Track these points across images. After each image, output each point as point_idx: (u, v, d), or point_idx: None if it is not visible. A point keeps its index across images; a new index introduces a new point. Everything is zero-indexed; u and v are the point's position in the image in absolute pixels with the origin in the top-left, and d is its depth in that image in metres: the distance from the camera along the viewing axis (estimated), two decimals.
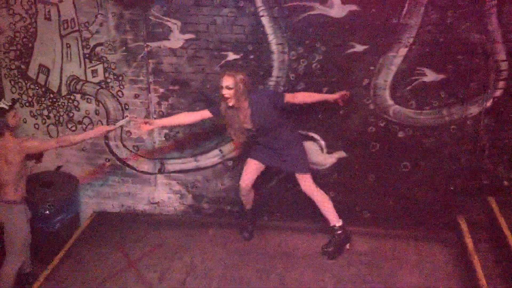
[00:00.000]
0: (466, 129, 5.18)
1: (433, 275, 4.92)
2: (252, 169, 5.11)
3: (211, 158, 5.64)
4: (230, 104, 4.68)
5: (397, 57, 5.02)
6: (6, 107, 4.63)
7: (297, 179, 5.08)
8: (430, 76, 5.05)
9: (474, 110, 5.11)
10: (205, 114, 4.91)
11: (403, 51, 4.99)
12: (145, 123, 4.86)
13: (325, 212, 5.14)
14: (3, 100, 4.74)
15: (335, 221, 5.14)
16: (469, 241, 5.11)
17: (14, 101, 5.56)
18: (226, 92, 4.63)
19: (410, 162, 5.36)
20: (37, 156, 4.98)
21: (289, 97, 4.80)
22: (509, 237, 4.80)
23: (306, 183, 5.05)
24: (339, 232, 5.17)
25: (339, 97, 4.93)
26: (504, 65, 4.93)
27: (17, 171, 4.60)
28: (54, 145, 4.83)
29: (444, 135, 5.22)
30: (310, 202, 5.59)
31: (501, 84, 5.00)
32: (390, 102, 5.18)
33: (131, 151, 5.75)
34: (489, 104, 5.08)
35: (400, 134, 5.27)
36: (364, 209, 5.59)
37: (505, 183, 5.33)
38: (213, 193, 5.80)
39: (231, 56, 5.17)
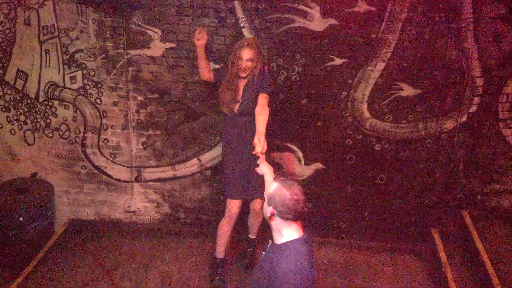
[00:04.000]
0: (441, 143, 5.27)
1: (407, 286, 4.98)
2: (237, 212, 4.84)
3: (189, 167, 5.63)
4: (245, 75, 4.62)
5: (375, 71, 5.09)
6: None
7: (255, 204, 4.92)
8: (407, 90, 5.14)
9: (449, 124, 5.21)
10: (211, 76, 4.98)
11: (381, 65, 5.07)
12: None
13: (258, 227, 5.10)
14: None
15: (257, 234, 5.19)
16: (442, 254, 5.19)
17: None
18: (246, 64, 4.58)
19: (386, 175, 5.42)
20: None
21: (260, 98, 4.61)
22: (482, 250, 4.90)
23: (262, 204, 4.76)
24: (256, 241, 5.23)
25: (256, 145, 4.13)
26: (479, 81, 5.05)
27: None
28: None
29: (419, 149, 5.31)
30: None
31: (476, 100, 5.11)
32: (367, 115, 5.25)
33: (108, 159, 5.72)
34: (464, 119, 5.18)
35: (377, 147, 5.33)
36: (340, 221, 5.63)
37: (479, 197, 5.42)
38: (190, 202, 5.78)
39: (212, 65, 5.16)
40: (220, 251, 4.94)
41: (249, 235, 5.21)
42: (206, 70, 5.00)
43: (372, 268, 5.23)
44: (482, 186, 5.40)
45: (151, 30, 5.19)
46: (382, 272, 5.16)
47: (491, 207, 5.44)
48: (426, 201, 5.47)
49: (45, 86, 5.53)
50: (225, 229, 4.88)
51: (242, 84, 4.70)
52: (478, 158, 5.31)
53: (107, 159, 5.72)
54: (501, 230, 5.27)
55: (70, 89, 5.51)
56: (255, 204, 4.92)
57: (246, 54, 4.57)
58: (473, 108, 5.14)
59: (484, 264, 4.72)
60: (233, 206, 4.82)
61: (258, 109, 4.56)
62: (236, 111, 4.71)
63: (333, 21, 4.96)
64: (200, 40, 4.88)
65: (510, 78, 5.04)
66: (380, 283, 5.03)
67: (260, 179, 4.70)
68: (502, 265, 4.74)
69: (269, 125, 5.19)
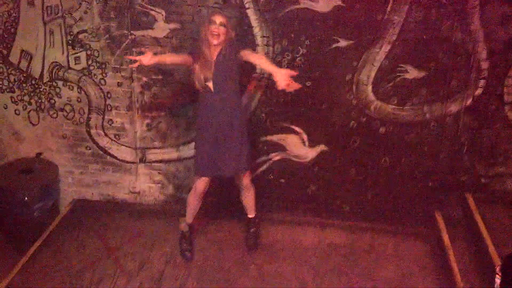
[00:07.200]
0: (445, 126, 5.26)
1: (410, 269, 5.00)
2: (203, 190, 4.93)
3: (194, 148, 5.62)
4: (216, 42, 4.48)
5: (380, 53, 5.06)
6: None
7: (237, 178, 4.96)
8: (412, 73, 5.11)
9: (454, 108, 5.19)
10: (187, 58, 4.66)
11: (386, 47, 5.04)
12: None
13: (252, 203, 5.14)
14: None
15: (255, 212, 5.21)
16: (445, 237, 5.20)
17: None
18: (219, 29, 4.45)
19: (390, 158, 5.42)
20: None
21: (244, 54, 4.57)
22: (485, 234, 4.90)
23: (248, 178, 4.97)
24: (257, 220, 5.25)
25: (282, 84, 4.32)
26: (484, 64, 5.02)
27: None
28: None
29: (424, 131, 5.30)
30: (286, 194, 5.64)
31: (481, 83, 5.08)
32: (372, 97, 5.23)
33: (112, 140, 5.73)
34: (469, 102, 5.16)
35: (381, 130, 5.32)
36: (344, 203, 5.64)
37: (483, 180, 5.42)
38: None
39: None
40: (189, 217, 5.18)
41: (248, 215, 5.21)
42: (173, 60, 4.83)
43: (375, 250, 5.25)
44: (486, 169, 5.39)
45: (155, 10, 5.17)
46: (385, 254, 5.19)
47: (495, 190, 5.45)
48: (430, 184, 5.48)
49: (49, 67, 5.53)
50: (192, 202, 5.07)
51: (214, 57, 4.56)
52: (483, 141, 5.29)
53: (112, 140, 5.73)
54: (505, 214, 5.27)
55: (74, 69, 5.50)
56: (242, 179, 4.93)
57: (219, 18, 4.48)
58: (478, 91, 5.12)
59: (487, 248, 4.73)
60: (200, 183, 4.89)
61: (254, 58, 4.66)
62: (212, 90, 4.61)
63: (338, 2, 4.93)
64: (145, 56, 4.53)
65: None
66: (382, 265, 5.05)
67: (239, 154, 4.75)
68: (505, 249, 4.73)
69: (274, 107, 5.22)
